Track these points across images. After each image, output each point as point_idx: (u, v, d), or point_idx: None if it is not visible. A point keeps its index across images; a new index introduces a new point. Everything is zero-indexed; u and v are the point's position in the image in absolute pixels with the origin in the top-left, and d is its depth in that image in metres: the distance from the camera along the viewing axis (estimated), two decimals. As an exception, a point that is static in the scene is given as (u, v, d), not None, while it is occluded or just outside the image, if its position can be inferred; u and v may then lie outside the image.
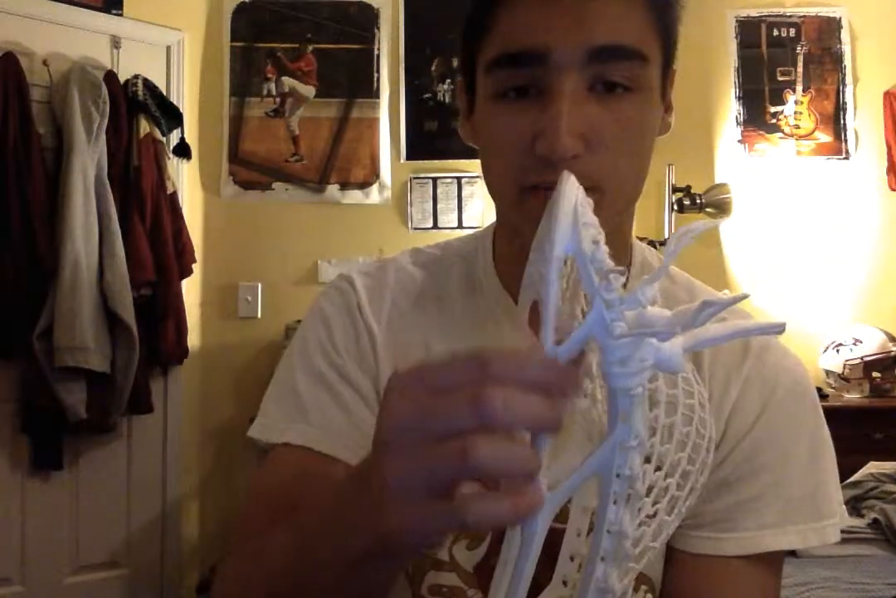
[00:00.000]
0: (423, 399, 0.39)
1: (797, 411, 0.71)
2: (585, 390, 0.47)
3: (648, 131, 0.66)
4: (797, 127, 3.26)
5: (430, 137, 3.14)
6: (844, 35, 3.26)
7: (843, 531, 0.71)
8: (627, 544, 0.41)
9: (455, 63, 3.15)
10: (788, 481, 0.68)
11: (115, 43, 2.75)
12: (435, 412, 0.39)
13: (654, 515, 0.43)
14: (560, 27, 0.60)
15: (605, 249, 0.41)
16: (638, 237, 0.84)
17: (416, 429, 0.39)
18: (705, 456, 0.46)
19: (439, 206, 3.12)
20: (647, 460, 0.41)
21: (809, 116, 3.26)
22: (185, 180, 2.95)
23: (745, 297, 0.42)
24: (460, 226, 3.11)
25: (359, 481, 0.45)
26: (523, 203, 0.64)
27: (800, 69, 3.27)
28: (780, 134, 3.25)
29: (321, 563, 0.49)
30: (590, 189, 0.62)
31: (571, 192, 0.43)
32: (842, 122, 3.26)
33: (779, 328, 0.41)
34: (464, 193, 3.12)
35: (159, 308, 2.69)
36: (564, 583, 0.44)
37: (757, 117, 3.28)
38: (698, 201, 3.11)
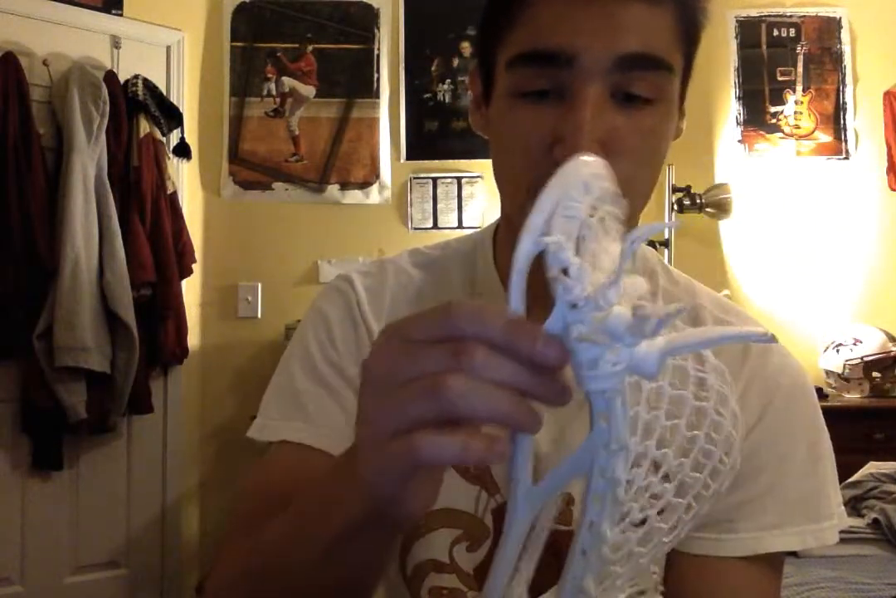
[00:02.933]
0: (403, 346, 0.40)
1: (797, 412, 0.71)
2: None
3: (665, 140, 0.66)
4: (797, 127, 3.26)
5: (430, 137, 3.14)
6: (844, 35, 3.26)
7: (842, 532, 0.71)
8: (605, 548, 0.40)
9: (456, 63, 3.15)
10: (787, 482, 0.69)
11: (115, 43, 2.75)
12: (414, 356, 0.39)
13: (644, 521, 0.41)
14: (589, 30, 0.59)
15: (570, 247, 0.39)
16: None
17: (393, 372, 0.39)
18: (717, 464, 0.43)
19: (439, 206, 3.12)
20: (639, 464, 0.40)
21: (809, 116, 3.26)
22: (185, 180, 2.95)
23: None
24: (460, 226, 3.11)
25: (348, 452, 0.46)
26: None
27: (800, 69, 3.27)
28: (780, 134, 3.25)
29: (310, 538, 0.50)
30: None
31: (569, 177, 0.41)
32: (842, 122, 3.26)
33: (764, 338, 0.39)
34: (464, 193, 3.12)
35: (159, 308, 2.69)
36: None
37: (757, 117, 3.28)
38: (698, 201, 3.11)
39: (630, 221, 0.68)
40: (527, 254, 0.40)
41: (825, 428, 0.72)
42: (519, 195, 0.64)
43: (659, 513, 0.42)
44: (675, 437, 0.41)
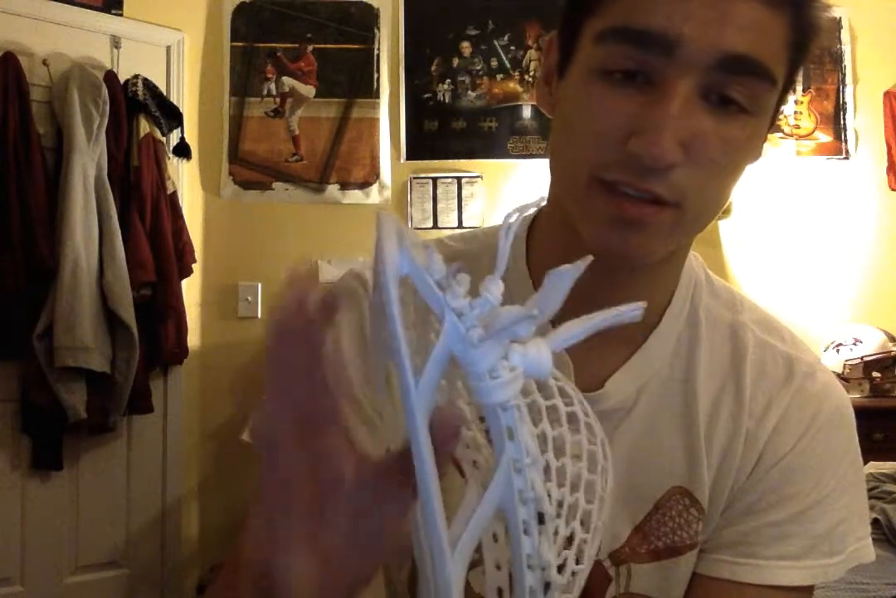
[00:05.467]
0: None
1: (834, 441, 0.69)
2: (464, 437, 0.43)
3: (748, 157, 0.62)
4: (797, 127, 3.26)
5: (430, 137, 3.14)
6: (844, 35, 3.26)
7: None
8: (553, 573, 0.38)
9: (456, 63, 3.15)
10: (814, 513, 0.67)
11: (115, 43, 2.75)
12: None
13: (572, 535, 0.39)
14: (700, 19, 0.53)
15: (438, 256, 0.37)
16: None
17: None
18: (604, 462, 0.42)
19: (439, 206, 3.12)
20: (548, 477, 0.38)
21: (809, 115, 3.26)
22: (185, 180, 2.95)
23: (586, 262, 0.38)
24: (460, 226, 3.11)
25: None
26: (590, 197, 0.58)
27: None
28: (780, 134, 3.25)
29: None
30: (671, 205, 0.57)
31: (390, 220, 0.39)
32: (842, 122, 3.26)
33: (635, 311, 0.38)
34: (464, 193, 3.12)
35: (159, 308, 2.69)
36: None
37: (757, 117, 3.27)
38: (698, 201, 3.11)
39: (692, 234, 0.63)
40: (395, 268, 0.37)
41: (860, 457, 0.70)
42: (578, 180, 0.59)
43: (581, 524, 0.40)
44: (565, 446, 0.40)
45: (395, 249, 0.37)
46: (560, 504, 0.39)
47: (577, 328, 0.38)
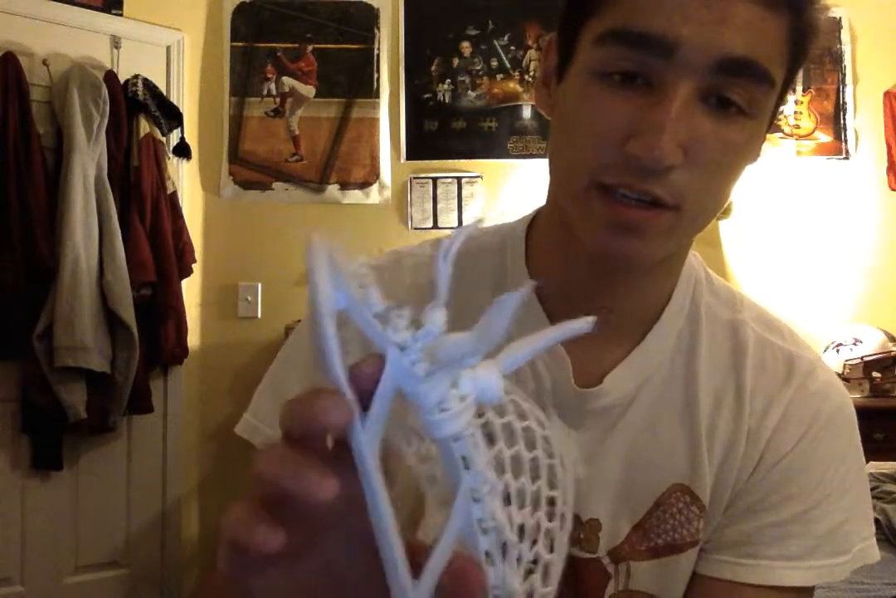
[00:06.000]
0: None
1: (835, 441, 0.69)
2: (419, 451, 0.41)
3: (747, 159, 0.61)
4: (797, 127, 3.26)
5: (430, 137, 3.14)
6: (844, 35, 3.26)
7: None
8: None
9: (456, 63, 3.15)
10: (816, 513, 0.67)
11: (115, 43, 2.75)
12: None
13: (536, 558, 0.39)
14: (699, 21, 0.53)
15: (376, 290, 0.35)
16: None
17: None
18: (563, 475, 0.42)
19: (439, 206, 3.12)
20: (507, 500, 0.37)
21: (809, 115, 3.26)
22: (185, 180, 2.95)
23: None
24: (460, 226, 3.09)
25: None
26: (588, 200, 0.58)
27: (800, 69, 3.27)
28: (780, 134, 3.25)
29: None
30: (669, 208, 0.57)
31: (321, 249, 0.37)
32: (842, 122, 3.25)
33: (586, 325, 0.37)
34: (464, 193, 3.12)
35: (159, 308, 2.69)
36: None
37: (757, 117, 3.27)
38: (698, 201, 3.11)
39: (691, 236, 0.63)
40: (330, 303, 0.35)
41: (862, 457, 0.70)
42: (577, 182, 0.59)
43: (546, 544, 0.39)
44: (522, 464, 0.39)
45: (329, 283, 0.35)
46: (522, 528, 0.38)
47: (529, 346, 0.37)
